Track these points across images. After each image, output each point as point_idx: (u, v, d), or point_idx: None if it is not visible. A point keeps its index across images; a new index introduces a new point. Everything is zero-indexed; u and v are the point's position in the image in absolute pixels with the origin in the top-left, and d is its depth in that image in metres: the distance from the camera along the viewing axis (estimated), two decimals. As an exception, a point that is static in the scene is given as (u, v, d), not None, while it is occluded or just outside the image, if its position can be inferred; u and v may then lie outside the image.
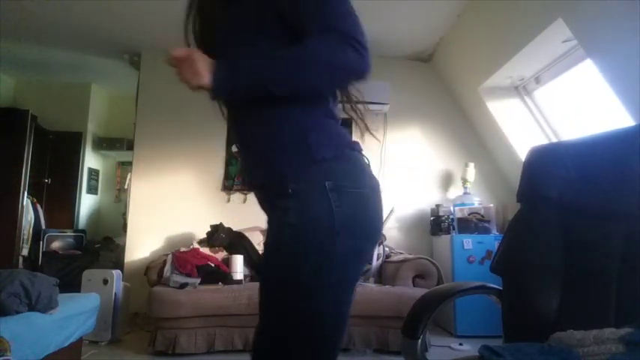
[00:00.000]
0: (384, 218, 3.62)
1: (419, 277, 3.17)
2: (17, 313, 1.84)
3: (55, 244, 4.58)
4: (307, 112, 0.90)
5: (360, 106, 1.06)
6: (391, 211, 3.67)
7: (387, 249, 3.64)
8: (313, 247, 0.83)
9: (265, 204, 0.97)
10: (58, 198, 5.00)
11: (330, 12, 0.85)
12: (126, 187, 5.26)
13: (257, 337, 0.90)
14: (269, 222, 0.92)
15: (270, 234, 0.89)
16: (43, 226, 4.65)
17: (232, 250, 3.41)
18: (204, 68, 0.83)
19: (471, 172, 3.87)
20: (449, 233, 3.58)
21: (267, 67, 0.84)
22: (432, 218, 3.88)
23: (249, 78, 0.84)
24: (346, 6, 0.87)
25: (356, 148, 0.94)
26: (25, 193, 4.39)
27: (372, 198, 0.90)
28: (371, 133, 1.06)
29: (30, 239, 4.44)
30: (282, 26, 0.88)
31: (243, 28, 0.92)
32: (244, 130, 0.95)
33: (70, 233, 4.79)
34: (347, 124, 4.06)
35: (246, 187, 1.02)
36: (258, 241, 3.62)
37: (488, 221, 3.61)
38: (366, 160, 0.95)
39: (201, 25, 1.02)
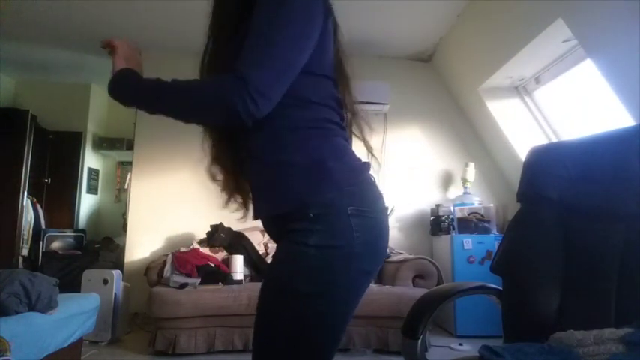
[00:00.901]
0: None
1: (419, 277, 3.17)
2: (17, 313, 1.84)
3: (55, 244, 4.58)
4: (323, 136, 0.90)
5: (365, 125, 1.07)
6: (391, 211, 3.67)
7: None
8: (332, 270, 0.84)
9: (275, 229, 0.95)
10: (58, 198, 5.00)
11: (252, 56, 0.80)
12: (126, 187, 5.26)
13: (257, 347, 0.89)
14: (281, 245, 0.90)
15: (287, 253, 0.87)
16: (43, 226, 4.65)
17: (232, 250, 3.41)
18: (115, 64, 0.98)
19: (471, 172, 3.87)
20: (449, 233, 3.58)
21: (148, 88, 0.91)
22: (432, 218, 3.88)
23: (133, 91, 0.94)
24: (285, 48, 0.82)
25: (369, 169, 0.95)
26: (25, 193, 4.39)
27: (384, 222, 0.92)
28: (373, 155, 1.03)
29: (30, 239, 4.44)
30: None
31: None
32: (255, 154, 0.91)
33: (70, 233, 4.79)
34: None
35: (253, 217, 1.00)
36: (258, 241, 3.62)
37: (488, 221, 3.61)
38: (373, 179, 0.95)
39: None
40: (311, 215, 0.84)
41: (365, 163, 0.95)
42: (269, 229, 0.99)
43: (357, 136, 1.07)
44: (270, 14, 0.82)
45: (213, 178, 1.05)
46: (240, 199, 1.06)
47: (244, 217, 1.08)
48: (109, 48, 1.03)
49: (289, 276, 0.85)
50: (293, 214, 0.86)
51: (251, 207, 1.01)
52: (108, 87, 0.96)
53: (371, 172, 0.95)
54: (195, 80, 0.89)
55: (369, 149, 1.05)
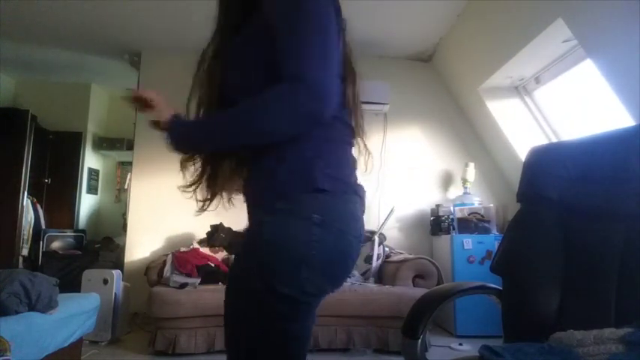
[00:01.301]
0: (384, 220, 3.63)
1: (419, 277, 3.17)
2: (17, 313, 1.84)
3: (55, 244, 4.58)
4: (325, 139, 0.88)
5: (361, 123, 1.03)
6: (391, 211, 3.68)
7: (387, 249, 3.64)
8: (274, 269, 0.80)
9: (250, 210, 0.97)
10: (58, 198, 5.00)
11: (297, 55, 0.81)
12: (126, 187, 5.26)
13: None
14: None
15: (243, 242, 0.89)
16: (43, 226, 4.65)
17: (232, 250, 3.40)
18: (162, 116, 0.91)
19: (471, 172, 3.87)
20: (449, 233, 3.58)
21: (216, 125, 0.87)
22: (432, 218, 3.88)
23: (202, 136, 0.89)
24: (320, 44, 0.82)
25: (359, 191, 0.92)
26: (25, 193, 4.40)
27: (354, 246, 0.88)
28: (368, 151, 1.02)
29: (30, 239, 4.44)
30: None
31: (251, 67, 0.91)
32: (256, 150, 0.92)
33: (70, 233, 4.79)
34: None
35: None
36: (258, 241, 3.61)
37: (488, 221, 3.61)
38: (363, 204, 0.93)
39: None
40: (276, 206, 0.83)
41: (357, 183, 0.93)
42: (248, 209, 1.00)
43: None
44: (298, 20, 0.83)
45: (182, 167, 1.03)
46: (207, 193, 1.05)
47: (201, 211, 1.07)
48: (139, 102, 0.95)
49: (235, 266, 0.89)
50: (268, 205, 0.85)
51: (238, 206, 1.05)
52: (172, 143, 0.89)
53: (361, 194, 0.92)
54: (260, 102, 0.82)
55: (364, 148, 1.03)
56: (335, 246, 0.83)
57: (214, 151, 0.91)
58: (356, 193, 0.90)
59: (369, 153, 1.03)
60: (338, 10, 0.94)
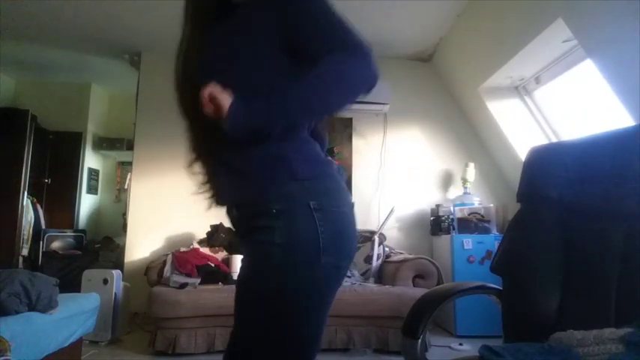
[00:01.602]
0: (384, 220, 3.63)
1: (419, 277, 3.17)
2: (17, 313, 1.84)
3: (55, 244, 4.58)
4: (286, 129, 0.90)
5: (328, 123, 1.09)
6: (391, 211, 3.68)
7: (387, 249, 3.64)
8: (301, 266, 0.84)
9: (241, 226, 0.94)
10: (58, 198, 5.00)
11: (330, 30, 0.85)
12: (126, 187, 5.26)
13: (232, 349, 0.89)
14: (247, 244, 0.90)
15: (253, 253, 0.88)
16: (43, 226, 4.65)
17: (232, 250, 3.41)
18: (224, 103, 0.82)
19: (471, 172, 3.87)
20: (449, 233, 3.58)
21: (295, 99, 0.84)
22: (432, 218, 3.88)
23: (279, 112, 0.83)
24: (338, 17, 0.87)
25: (332, 165, 0.95)
26: (25, 193, 4.39)
27: (350, 216, 0.92)
28: (333, 153, 1.08)
29: (30, 239, 4.44)
30: (282, 52, 0.89)
31: (246, 57, 0.90)
32: (220, 146, 0.91)
33: (70, 233, 4.79)
34: (347, 124, 4.00)
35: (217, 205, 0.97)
36: (258, 241, 3.62)
37: (489, 221, 3.61)
38: (342, 173, 0.97)
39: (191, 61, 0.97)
40: (274, 211, 0.84)
41: (328, 159, 0.96)
42: (235, 223, 0.99)
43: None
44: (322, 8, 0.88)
45: (189, 166, 1.02)
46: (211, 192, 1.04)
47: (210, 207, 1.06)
48: (211, 105, 0.84)
49: (258, 277, 0.86)
50: (256, 207, 0.86)
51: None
52: (239, 128, 0.82)
53: (335, 168, 0.95)
54: (331, 69, 0.83)
55: (328, 146, 1.07)
56: (336, 223, 0.87)
57: (284, 128, 0.84)
58: (331, 168, 0.93)
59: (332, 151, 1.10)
60: None
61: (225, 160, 0.91)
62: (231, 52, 0.90)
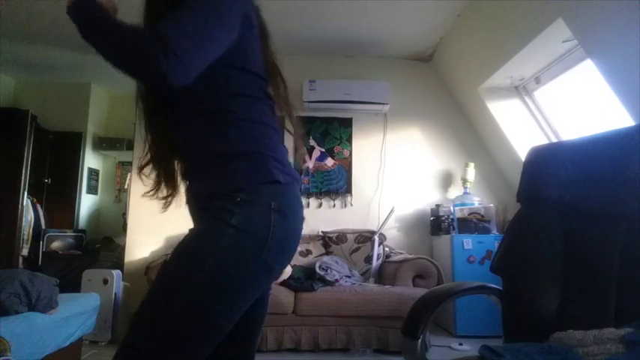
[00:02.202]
0: (384, 220, 3.63)
1: (419, 277, 3.17)
2: (17, 313, 1.84)
3: (55, 244, 4.58)
4: (262, 131, 0.96)
5: (298, 128, 1.14)
6: (391, 211, 3.68)
7: (387, 249, 3.64)
8: (245, 253, 0.87)
9: (200, 201, 0.97)
10: (58, 198, 5.00)
11: (172, 16, 0.83)
12: (126, 187, 5.26)
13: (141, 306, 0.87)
14: (202, 217, 0.94)
15: (207, 226, 0.90)
16: (43, 226, 4.65)
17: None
18: None
19: (471, 172, 3.87)
20: (449, 233, 3.58)
21: (95, 18, 0.87)
22: (432, 218, 3.88)
23: (83, 16, 0.87)
24: (198, 19, 0.84)
25: (297, 178, 1.00)
26: (25, 193, 4.39)
27: (299, 230, 0.98)
28: (297, 153, 1.12)
29: (30, 239, 4.44)
30: None
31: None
32: (194, 137, 0.96)
33: (70, 233, 4.79)
34: (347, 123, 4.00)
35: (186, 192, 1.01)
36: (258, 241, 3.62)
37: (489, 221, 3.61)
38: (300, 188, 1.02)
39: None
40: (238, 199, 0.88)
41: (294, 171, 1.00)
42: (191, 204, 1.02)
43: (289, 131, 1.15)
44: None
45: (140, 170, 1.11)
46: (168, 190, 1.11)
47: (166, 208, 1.12)
48: None
49: (202, 250, 0.87)
50: (223, 194, 0.90)
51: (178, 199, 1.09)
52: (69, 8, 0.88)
53: (299, 180, 1.02)
54: (128, 26, 0.83)
55: (299, 148, 1.14)
56: (286, 229, 0.92)
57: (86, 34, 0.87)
58: (297, 180, 0.99)
59: (304, 150, 1.13)
60: (252, 12, 0.98)
61: (197, 151, 0.96)
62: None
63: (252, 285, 0.90)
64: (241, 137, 0.93)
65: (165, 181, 1.10)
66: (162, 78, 0.78)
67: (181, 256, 0.89)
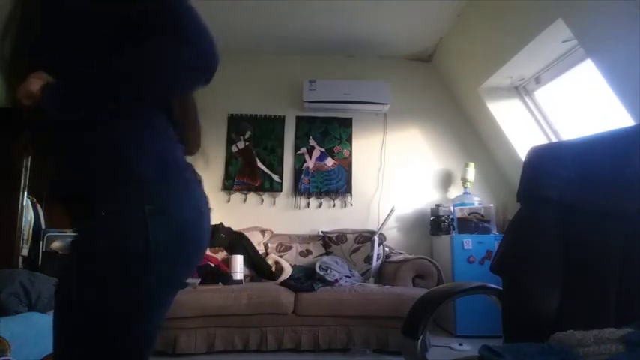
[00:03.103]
0: (384, 220, 3.63)
1: (419, 277, 3.17)
2: (17, 313, 1.84)
3: (55, 244, 4.57)
4: (130, 125, 0.83)
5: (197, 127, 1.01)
6: (391, 211, 3.68)
7: (387, 249, 3.64)
8: (121, 278, 0.78)
9: (72, 219, 0.87)
10: (58, 198, 4.99)
11: (169, 11, 0.79)
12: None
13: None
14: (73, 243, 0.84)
15: (74, 256, 0.82)
16: (43, 226, 4.65)
17: (232, 250, 3.41)
18: (36, 86, 0.76)
19: (471, 172, 3.87)
20: (449, 233, 3.58)
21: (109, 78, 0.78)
22: (432, 218, 3.88)
23: (90, 93, 0.78)
24: (186, 4, 0.81)
25: (189, 170, 0.90)
26: (25, 193, 4.39)
27: (197, 222, 0.87)
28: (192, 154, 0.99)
29: (30, 239, 4.44)
30: (127, 30, 0.81)
31: (84, 39, 0.83)
32: (51, 135, 0.84)
33: (70, 233, 4.78)
34: (347, 123, 4.00)
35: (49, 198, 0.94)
36: (258, 241, 3.62)
37: (488, 221, 3.61)
38: (199, 180, 0.91)
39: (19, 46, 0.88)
40: (102, 214, 0.78)
41: (186, 162, 0.91)
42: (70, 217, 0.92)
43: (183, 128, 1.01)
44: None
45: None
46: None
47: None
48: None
49: (79, 287, 0.78)
50: (83, 205, 0.80)
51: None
52: (51, 109, 0.77)
53: (191, 172, 0.90)
54: (152, 51, 0.77)
55: (191, 151, 1.00)
56: (173, 230, 0.81)
57: (104, 106, 0.79)
58: (186, 172, 0.89)
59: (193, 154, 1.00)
60: None
61: (54, 149, 0.85)
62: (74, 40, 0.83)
63: (150, 306, 0.85)
64: (100, 133, 0.82)
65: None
66: (206, 72, 0.80)
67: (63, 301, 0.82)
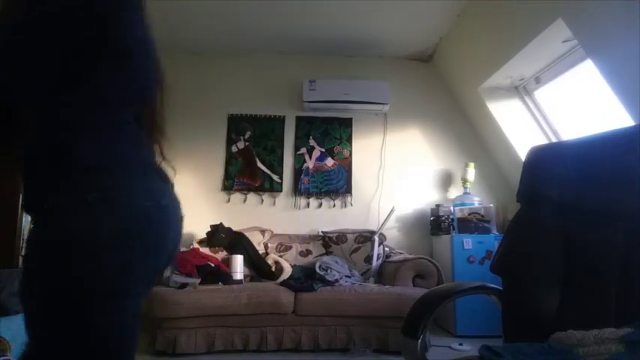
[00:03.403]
0: (384, 220, 3.63)
1: (419, 277, 3.17)
2: (17, 313, 1.84)
3: (55, 244, 4.58)
4: (84, 116, 0.82)
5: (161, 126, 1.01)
6: (391, 211, 3.68)
7: (387, 249, 3.64)
8: (74, 271, 0.75)
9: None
10: (58, 198, 4.99)
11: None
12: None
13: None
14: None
15: (30, 244, 0.82)
16: (43, 226, 4.65)
17: (232, 250, 3.41)
18: None
19: (471, 172, 3.87)
20: (449, 233, 3.58)
21: None
22: (432, 218, 3.88)
23: None
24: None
25: (149, 164, 0.89)
26: (25, 193, 4.39)
27: (156, 212, 0.83)
28: (163, 157, 0.98)
29: (30, 239, 4.44)
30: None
31: None
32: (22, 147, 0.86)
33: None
34: (347, 123, 4.00)
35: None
36: (258, 241, 3.62)
37: (488, 221, 3.61)
38: (165, 180, 0.89)
39: None
40: (45, 206, 0.77)
41: (148, 159, 0.90)
42: None
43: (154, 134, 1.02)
44: None
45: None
46: None
47: None
48: None
49: (32, 277, 0.78)
50: (31, 197, 0.81)
51: None
52: None
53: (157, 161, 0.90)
54: None
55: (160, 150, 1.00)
56: (126, 216, 0.78)
57: None
58: (141, 167, 0.87)
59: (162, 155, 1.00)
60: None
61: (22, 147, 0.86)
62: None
63: (112, 291, 0.79)
64: (43, 128, 0.83)
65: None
66: None
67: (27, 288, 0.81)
